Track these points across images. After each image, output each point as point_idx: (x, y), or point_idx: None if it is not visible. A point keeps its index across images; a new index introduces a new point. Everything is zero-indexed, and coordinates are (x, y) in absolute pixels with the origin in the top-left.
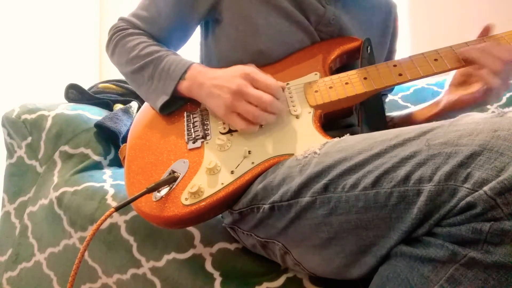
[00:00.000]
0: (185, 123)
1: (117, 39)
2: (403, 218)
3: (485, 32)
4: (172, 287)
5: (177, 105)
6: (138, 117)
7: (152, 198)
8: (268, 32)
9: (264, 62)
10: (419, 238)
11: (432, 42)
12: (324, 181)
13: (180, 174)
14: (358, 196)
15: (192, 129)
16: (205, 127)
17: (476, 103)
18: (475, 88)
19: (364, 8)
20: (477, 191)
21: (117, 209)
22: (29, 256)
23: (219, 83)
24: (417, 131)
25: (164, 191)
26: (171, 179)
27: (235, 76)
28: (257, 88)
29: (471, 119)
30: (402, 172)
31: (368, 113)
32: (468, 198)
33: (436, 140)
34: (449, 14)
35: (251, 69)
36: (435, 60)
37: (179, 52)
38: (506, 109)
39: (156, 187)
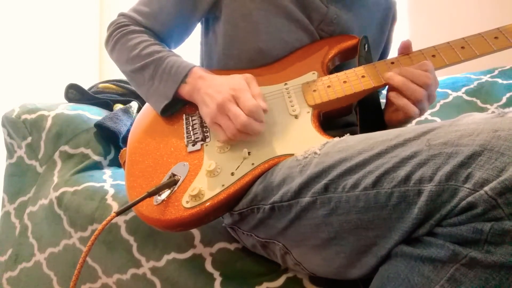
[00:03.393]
0: (184, 126)
1: (118, 36)
2: (403, 218)
3: (405, 50)
4: (172, 287)
5: (177, 107)
6: (138, 120)
7: (153, 201)
8: (268, 30)
9: (264, 60)
10: (420, 238)
11: (431, 41)
12: (324, 181)
13: (180, 177)
14: (358, 196)
15: (192, 132)
16: (204, 130)
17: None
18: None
19: (365, 5)
20: (478, 191)
21: (118, 213)
22: (29, 256)
23: (211, 92)
24: (418, 131)
25: (165, 194)
26: (172, 183)
27: (225, 89)
28: (239, 105)
29: (471, 119)
30: (402, 172)
31: (365, 112)
32: (469, 198)
33: (436, 140)
34: (448, 13)
35: (240, 85)
36: (433, 56)
37: (179, 49)
38: (507, 109)
39: (157, 191)
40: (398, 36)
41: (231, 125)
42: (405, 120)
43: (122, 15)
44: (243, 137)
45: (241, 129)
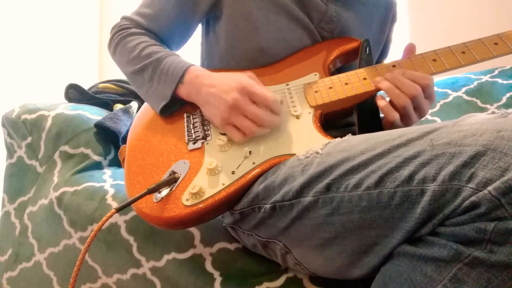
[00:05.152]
0: (185, 124)
1: (119, 38)
2: (406, 218)
3: (409, 52)
4: (172, 287)
5: (177, 106)
6: (138, 118)
7: (153, 199)
8: (268, 29)
9: (265, 59)
10: (423, 238)
11: (432, 41)
12: (326, 181)
13: (180, 174)
14: (361, 196)
15: (192, 130)
16: (205, 128)
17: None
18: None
19: (364, 4)
20: (481, 191)
21: (118, 210)
22: (29, 256)
23: (216, 92)
24: (421, 131)
25: (164, 192)
26: (172, 180)
27: (232, 88)
28: (254, 101)
29: (475, 119)
30: (405, 172)
31: (363, 113)
32: (472, 198)
33: (439, 140)
34: (449, 13)
35: (248, 82)
36: (434, 60)
37: (180, 50)
38: (510, 110)
39: (157, 188)
40: (398, 36)
41: (248, 123)
42: (391, 126)
43: (124, 18)
44: (261, 133)
45: (264, 124)
